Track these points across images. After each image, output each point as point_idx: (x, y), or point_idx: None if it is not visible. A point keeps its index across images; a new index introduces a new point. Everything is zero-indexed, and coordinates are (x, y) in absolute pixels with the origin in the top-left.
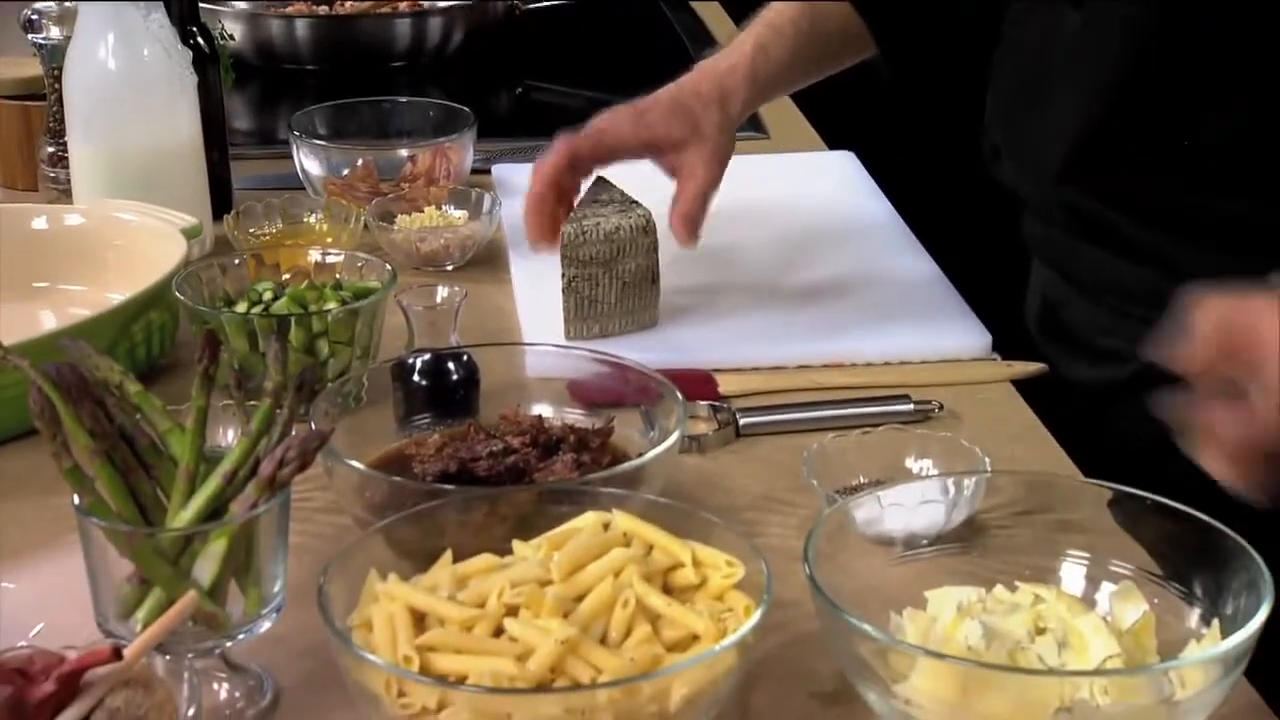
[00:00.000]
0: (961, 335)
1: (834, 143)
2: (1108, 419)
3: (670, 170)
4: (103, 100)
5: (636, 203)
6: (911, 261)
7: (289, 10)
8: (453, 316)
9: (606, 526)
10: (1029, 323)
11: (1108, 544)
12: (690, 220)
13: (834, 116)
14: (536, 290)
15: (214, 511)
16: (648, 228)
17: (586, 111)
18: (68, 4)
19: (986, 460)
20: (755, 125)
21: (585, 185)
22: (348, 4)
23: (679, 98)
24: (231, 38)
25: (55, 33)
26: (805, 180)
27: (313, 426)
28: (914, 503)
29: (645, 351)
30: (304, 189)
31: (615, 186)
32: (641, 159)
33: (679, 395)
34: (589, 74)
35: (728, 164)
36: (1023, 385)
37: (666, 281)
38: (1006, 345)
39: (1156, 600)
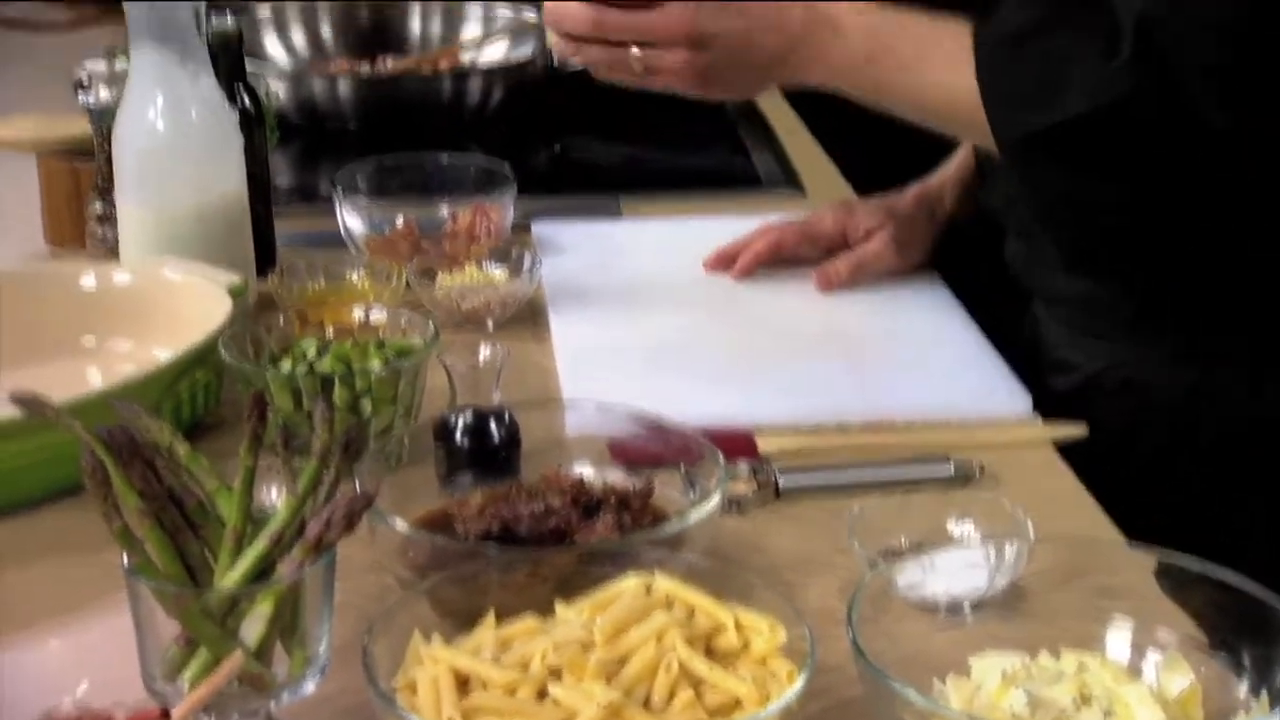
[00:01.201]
0: (1001, 396)
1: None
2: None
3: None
4: (151, 160)
5: None
6: (948, 318)
7: (332, 69)
8: (495, 375)
9: (648, 589)
10: (1022, 343)
11: (1153, 611)
12: (829, 277)
13: (870, 174)
14: (576, 348)
15: (261, 572)
16: None
17: (624, 167)
18: (118, 66)
19: (1029, 524)
20: (792, 182)
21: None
22: (389, 62)
23: (887, 198)
24: (277, 97)
25: (105, 94)
26: None
27: (357, 485)
28: (957, 567)
29: (685, 410)
30: (346, 246)
31: None
32: (838, 246)
33: (719, 456)
34: (626, 131)
35: (910, 259)
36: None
37: (706, 339)
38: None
39: (1203, 670)
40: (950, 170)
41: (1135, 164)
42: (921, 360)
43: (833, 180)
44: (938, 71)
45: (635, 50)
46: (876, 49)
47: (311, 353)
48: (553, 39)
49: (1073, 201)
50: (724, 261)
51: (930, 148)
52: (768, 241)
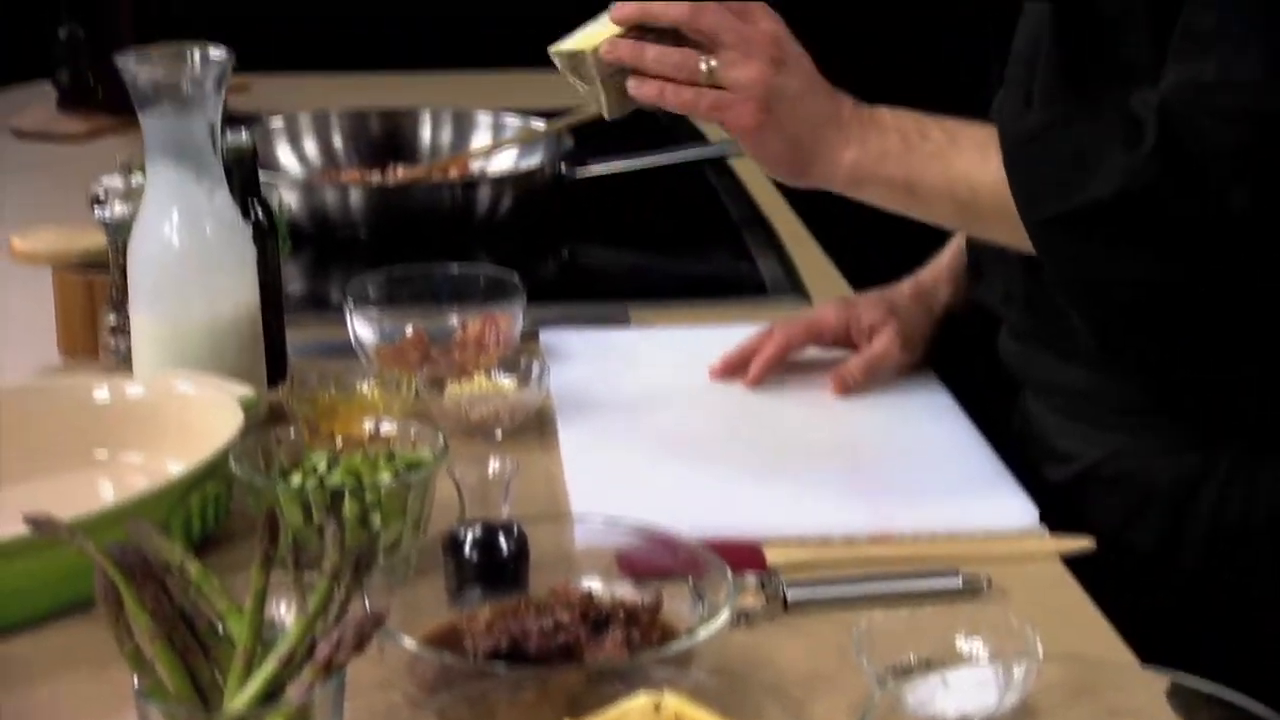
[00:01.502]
0: (1008, 508)
1: None
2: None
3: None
4: (166, 275)
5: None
6: (951, 426)
7: (343, 178)
8: (504, 488)
9: (657, 708)
10: (1013, 437)
11: None
12: (846, 381)
13: (875, 280)
14: (584, 458)
15: (270, 694)
16: None
17: (631, 274)
18: (134, 181)
19: (1037, 640)
20: (797, 289)
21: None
22: (400, 170)
23: (885, 293)
24: (289, 208)
25: (121, 209)
26: None
27: (366, 604)
28: (966, 686)
29: (693, 520)
30: (357, 355)
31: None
32: (844, 342)
33: (727, 571)
34: (634, 237)
35: (914, 354)
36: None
37: (713, 449)
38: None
39: None
40: (943, 265)
41: (1160, 245)
42: (927, 471)
43: (837, 286)
44: (967, 160)
45: (711, 61)
46: (911, 138)
47: (322, 466)
48: (607, 45)
49: (1098, 281)
50: (732, 369)
51: (920, 242)
52: (777, 345)
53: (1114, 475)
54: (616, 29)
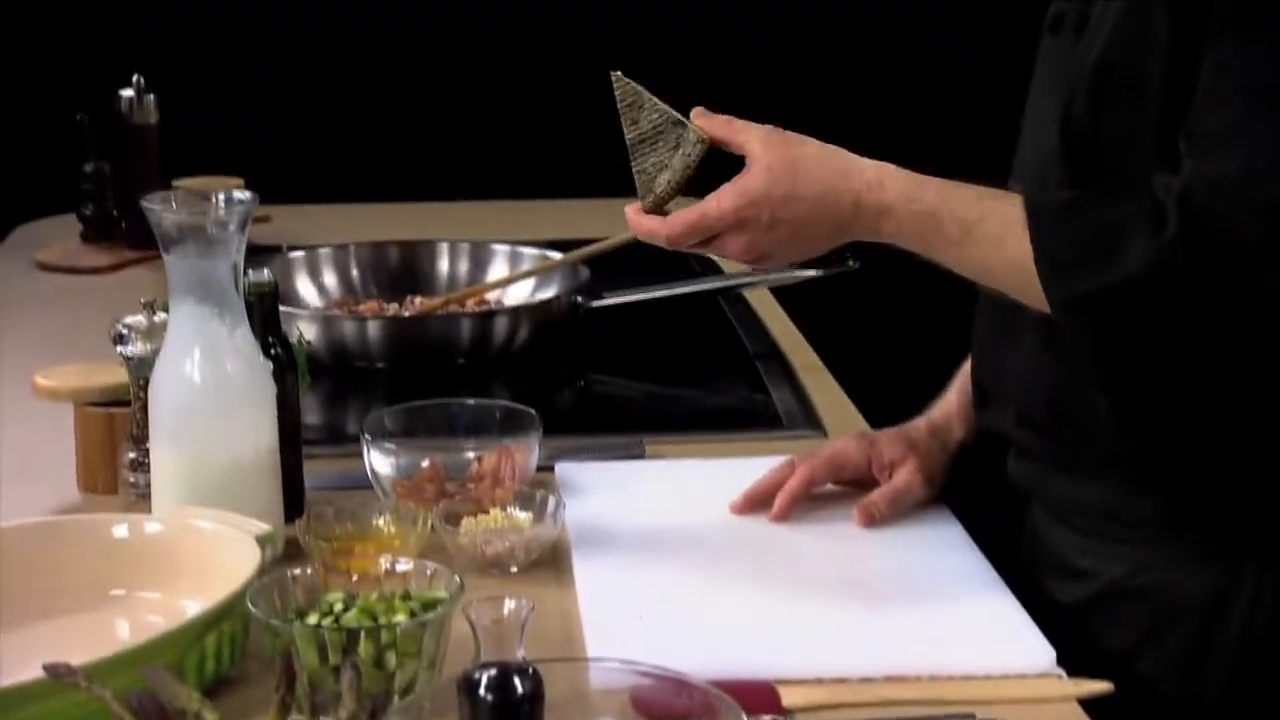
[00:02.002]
0: (1024, 650)
1: None
2: (1090, 632)
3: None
4: (187, 412)
5: (682, 124)
6: (968, 564)
7: (362, 310)
8: (519, 630)
9: None
10: (1023, 558)
11: None
12: (871, 513)
13: (889, 411)
14: (600, 595)
15: None
16: (703, 151)
17: (647, 405)
18: (157, 318)
19: None
20: (813, 423)
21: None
22: (417, 300)
23: (903, 430)
24: (309, 343)
25: (143, 346)
26: None
27: None
28: None
29: (708, 660)
30: (373, 489)
31: (644, 100)
32: (864, 478)
33: (741, 715)
34: (650, 368)
35: (934, 490)
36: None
37: (728, 586)
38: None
39: None
40: (953, 403)
41: (1185, 328)
42: (944, 611)
43: (852, 419)
44: (983, 248)
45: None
46: (926, 230)
47: (338, 606)
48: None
49: (1123, 362)
50: (754, 504)
51: (934, 374)
52: (801, 479)
53: (1135, 590)
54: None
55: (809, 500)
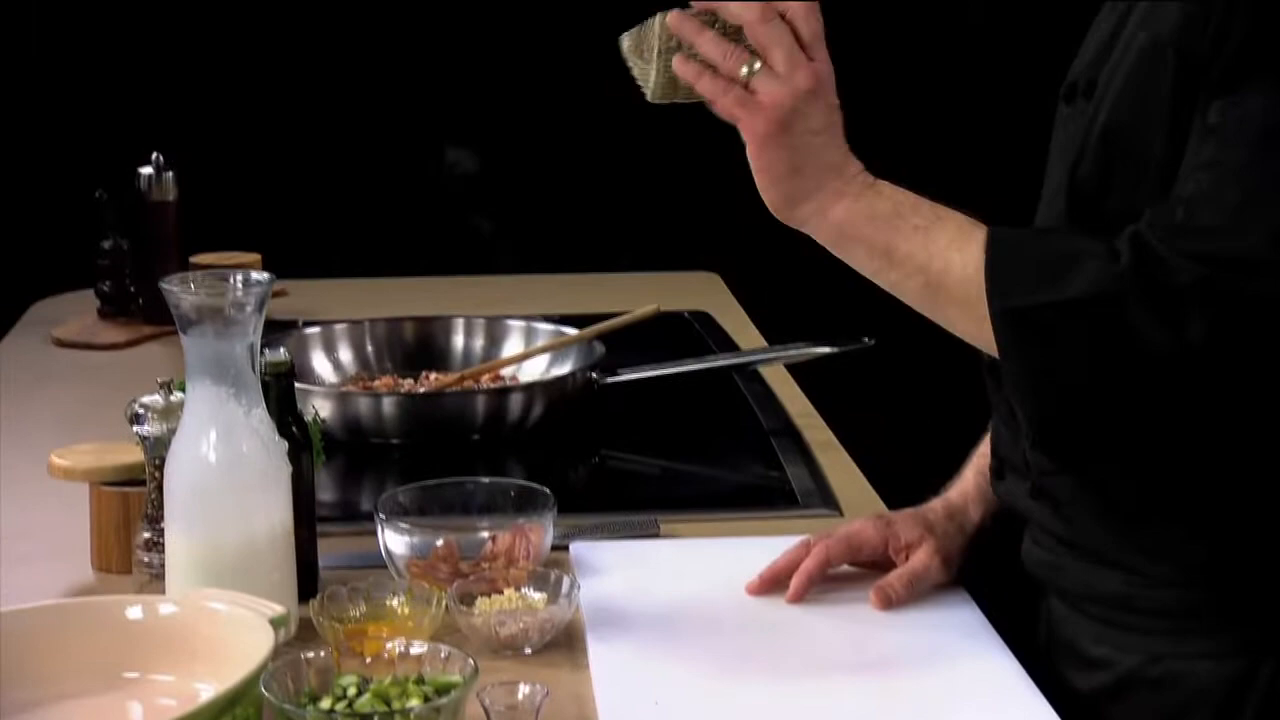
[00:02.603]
0: None
1: None
2: None
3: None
4: (202, 492)
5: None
6: (986, 651)
7: (377, 386)
8: (533, 715)
9: None
10: (1039, 645)
11: None
12: (888, 595)
13: (908, 497)
14: (615, 678)
15: None
16: None
17: (662, 481)
18: (173, 398)
19: None
20: (828, 502)
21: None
22: (433, 376)
23: (920, 511)
24: (324, 420)
25: (159, 426)
26: None
27: None
28: None
29: None
30: (387, 568)
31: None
32: (881, 559)
33: None
34: (665, 444)
35: (951, 572)
36: None
37: (742, 669)
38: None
39: None
40: (970, 485)
41: (1116, 358)
42: (960, 697)
43: (867, 497)
44: (948, 239)
45: (756, 65)
46: (903, 209)
47: (351, 690)
48: (674, 15)
49: (1050, 382)
50: (770, 585)
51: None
52: (817, 559)
53: (1151, 680)
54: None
55: (825, 581)
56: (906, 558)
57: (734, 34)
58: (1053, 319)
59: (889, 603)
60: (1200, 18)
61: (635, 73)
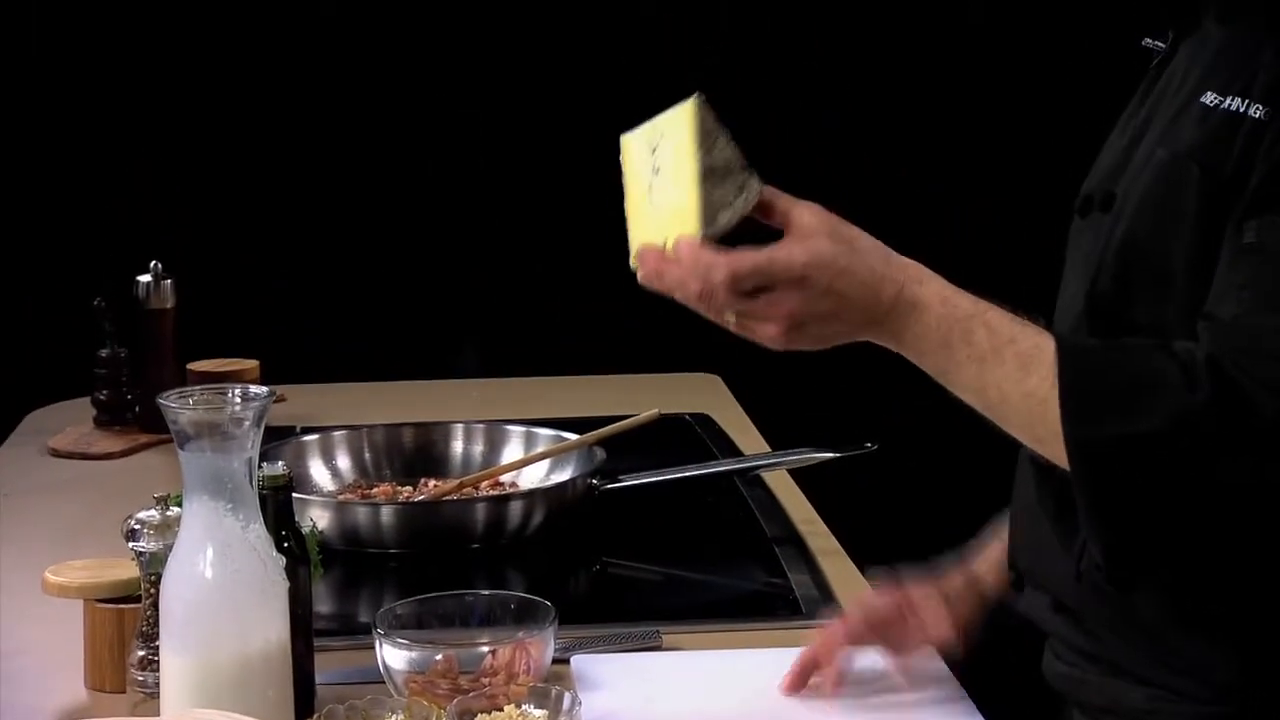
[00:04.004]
0: None
1: None
2: None
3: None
4: (198, 609)
5: (749, 170)
6: None
7: (375, 492)
8: None
9: None
10: None
11: None
12: (909, 666)
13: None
14: None
15: None
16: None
17: (663, 589)
18: (169, 513)
19: None
20: (833, 612)
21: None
22: (432, 483)
23: (933, 578)
24: (320, 533)
25: (155, 543)
26: (881, 674)
27: None
28: None
29: None
30: (385, 684)
31: (720, 134)
32: (901, 632)
33: None
34: (667, 552)
35: (970, 645)
36: None
37: None
38: None
39: None
40: (992, 557)
41: (1196, 492)
42: None
43: None
44: (1008, 369)
45: (732, 317)
46: (954, 338)
47: None
48: (639, 252)
49: (1127, 513)
50: (799, 682)
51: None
52: (845, 654)
53: None
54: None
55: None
56: (924, 624)
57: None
58: (1131, 451)
59: (909, 669)
60: (1225, 135)
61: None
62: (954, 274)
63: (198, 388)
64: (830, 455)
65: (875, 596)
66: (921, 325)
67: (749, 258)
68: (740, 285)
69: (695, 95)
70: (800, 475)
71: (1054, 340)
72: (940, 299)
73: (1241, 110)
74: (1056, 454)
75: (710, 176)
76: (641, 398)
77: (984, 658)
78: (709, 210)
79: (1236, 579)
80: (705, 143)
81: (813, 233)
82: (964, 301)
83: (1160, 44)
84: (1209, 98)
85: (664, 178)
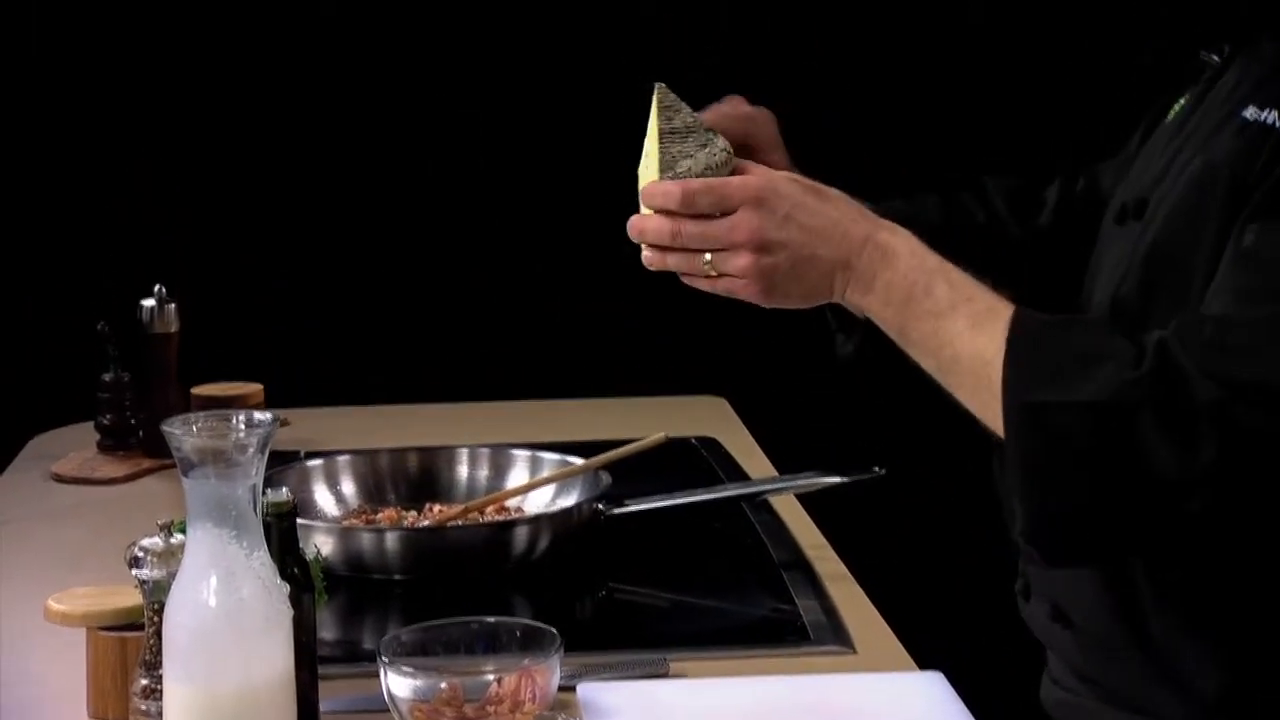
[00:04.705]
0: None
1: (925, 661)
2: None
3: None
4: (201, 638)
5: (713, 133)
6: None
7: (379, 518)
8: None
9: None
10: None
11: None
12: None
13: (923, 633)
14: None
15: None
16: (728, 161)
17: (670, 616)
18: (173, 540)
19: None
20: (841, 639)
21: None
22: (436, 508)
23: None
24: (324, 559)
25: (158, 571)
26: (890, 702)
27: None
28: None
29: None
30: (390, 712)
31: (682, 107)
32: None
33: None
34: (673, 577)
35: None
36: None
37: None
38: None
39: None
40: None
41: (1125, 472)
42: None
43: (882, 632)
44: (964, 324)
45: (708, 256)
46: (917, 290)
47: None
48: (634, 220)
49: (1050, 479)
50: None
51: (967, 585)
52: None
53: None
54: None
55: None
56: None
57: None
58: (1062, 418)
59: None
60: (1256, 146)
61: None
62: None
63: (202, 414)
64: (838, 480)
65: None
66: (891, 271)
67: (698, 180)
68: (694, 203)
69: (656, 84)
70: (808, 500)
71: (1013, 307)
72: (910, 250)
73: (1275, 124)
74: (996, 419)
75: (670, 136)
76: (647, 420)
77: (984, 685)
78: (668, 160)
79: (1213, 592)
80: (665, 114)
81: (775, 170)
82: (931, 257)
83: (1216, 57)
84: (1250, 112)
85: (645, 161)
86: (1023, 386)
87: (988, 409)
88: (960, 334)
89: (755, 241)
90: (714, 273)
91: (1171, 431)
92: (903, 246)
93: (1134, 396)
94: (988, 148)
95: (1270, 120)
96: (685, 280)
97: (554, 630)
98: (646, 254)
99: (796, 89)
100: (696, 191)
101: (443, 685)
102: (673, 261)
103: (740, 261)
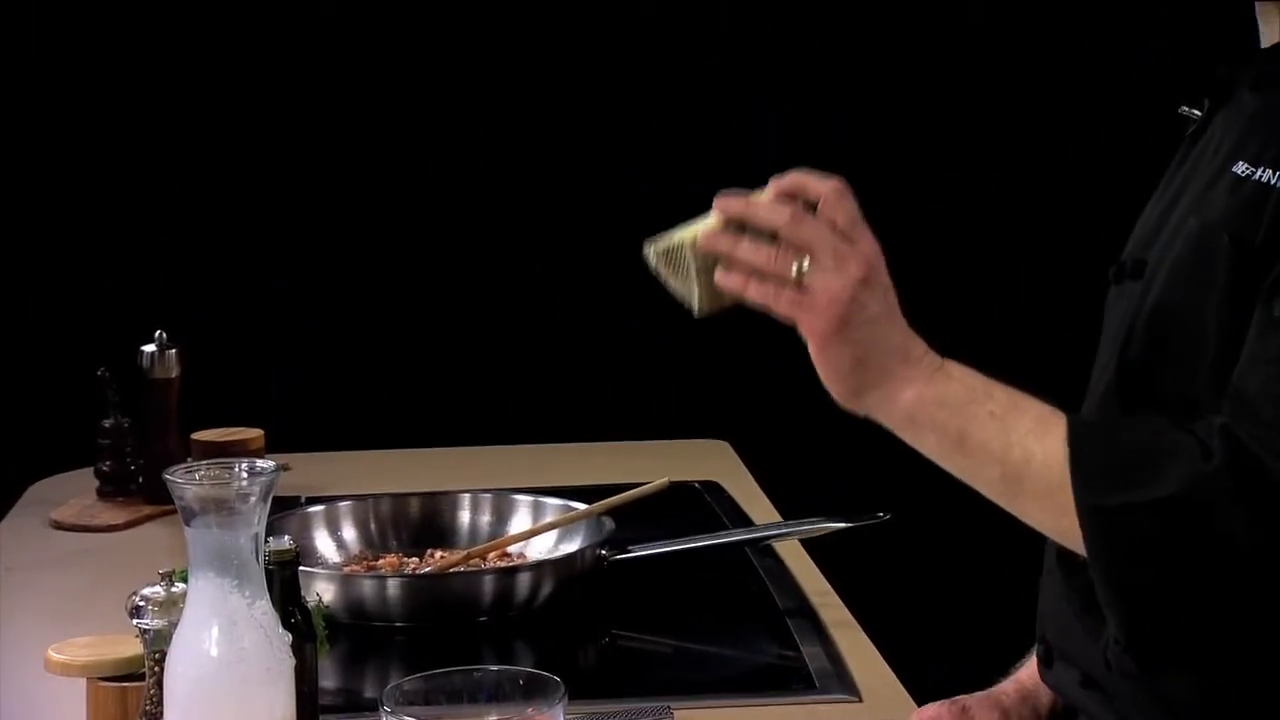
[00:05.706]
0: None
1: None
2: None
3: None
4: (202, 688)
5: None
6: None
7: (381, 564)
8: None
9: None
10: None
11: None
12: None
13: (929, 681)
14: None
15: None
16: None
17: (674, 662)
18: (174, 589)
19: None
20: (846, 687)
21: None
22: (438, 554)
23: (993, 694)
24: (326, 607)
25: (159, 620)
26: None
27: None
28: None
29: None
30: None
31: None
32: None
33: None
34: (677, 623)
35: None
36: None
37: None
38: None
39: None
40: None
41: (1210, 562)
42: None
43: (887, 680)
44: (1027, 428)
45: (806, 262)
46: (976, 394)
47: None
48: (705, 235)
49: (1141, 584)
50: None
51: (971, 629)
52: None
53: None
54: (715, 224)
55: None
56: None
57: (768, 239)
58: (1143, 519)
59: None
60: (1254, 206)
61: (672, 287)
62: (951, 287)
63: (204, 463)
64: (843, 525)
65: (935, 711)
66: (944, 379)
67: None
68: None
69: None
70: (812, 545)
71: (1064, 413)
72: (959, 366)
73: (1271, 182)
74: (1072, 526)
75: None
76: (650, 465)
77: None
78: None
79: (1262, 661)
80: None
81: None
82: (976, 373)
83: (1196, 112)
84: (1240, 168)
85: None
86: (1094, 491)
87: (1060, 520)
88: (1030, 433)
89: (865, 271)
90: (797, 281)
91: (1255, 517)
92: (952, 364)
93: (1211, 488)
94: (988, 148)
95: (1264, 178)
96: (752, 292)
97: (557, 679)
98: (721, 276)
99: (796, 89)
100: (787, 188)
101: None
102: (745, 248)
103: (837, 282)
